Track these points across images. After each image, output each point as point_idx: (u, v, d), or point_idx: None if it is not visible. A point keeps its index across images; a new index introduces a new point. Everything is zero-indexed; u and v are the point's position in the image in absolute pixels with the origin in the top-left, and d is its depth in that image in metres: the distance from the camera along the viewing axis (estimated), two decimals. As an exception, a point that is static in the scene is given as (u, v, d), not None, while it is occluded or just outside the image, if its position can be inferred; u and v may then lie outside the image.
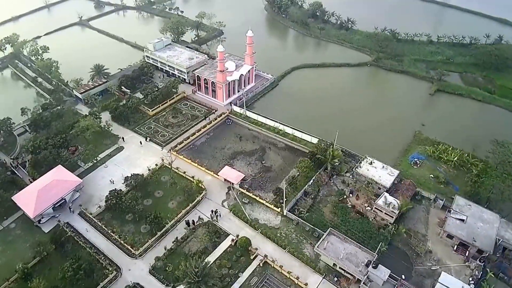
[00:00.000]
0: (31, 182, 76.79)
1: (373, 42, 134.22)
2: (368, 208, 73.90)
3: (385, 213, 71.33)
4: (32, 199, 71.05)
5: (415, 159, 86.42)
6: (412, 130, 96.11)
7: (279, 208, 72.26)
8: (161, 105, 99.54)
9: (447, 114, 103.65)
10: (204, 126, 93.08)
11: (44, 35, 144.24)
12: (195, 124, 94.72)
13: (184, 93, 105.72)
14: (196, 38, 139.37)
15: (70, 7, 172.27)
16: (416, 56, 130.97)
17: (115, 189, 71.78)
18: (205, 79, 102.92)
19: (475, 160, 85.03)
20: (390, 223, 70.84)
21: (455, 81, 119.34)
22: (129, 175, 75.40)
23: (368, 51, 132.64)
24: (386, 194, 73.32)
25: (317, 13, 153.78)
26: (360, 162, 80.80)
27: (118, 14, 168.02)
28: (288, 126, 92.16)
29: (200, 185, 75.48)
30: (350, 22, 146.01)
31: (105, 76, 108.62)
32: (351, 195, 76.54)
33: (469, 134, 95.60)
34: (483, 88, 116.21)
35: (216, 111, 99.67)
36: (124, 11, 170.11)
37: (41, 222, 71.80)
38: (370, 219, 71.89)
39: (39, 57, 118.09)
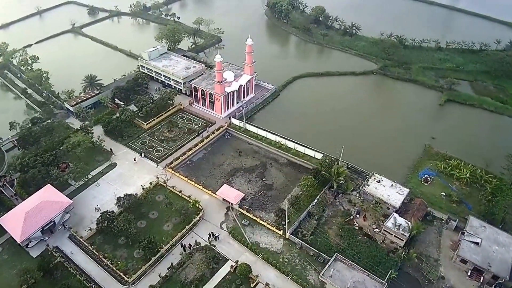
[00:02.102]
0: (19, 202, 75.66)
1: (379, 49, 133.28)
2: (376, 230, 72.23)
3: (394, 236, 69.76)
4: (19, 222, 69.54)
5: (426, 176, 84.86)
6: (422, 143, 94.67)
7: (281, 231, 70.67)
8: (156, 118, 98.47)
9: (458, 126, 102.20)
10: (201, 141, 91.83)
11: (35, 43, 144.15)
12: (192, 139, 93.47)
13: (181, 104, 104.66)
14: (193, 46, 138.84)
15: (62, 13, 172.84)
16: (424, 63, 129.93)
17: (107, 210, 70.32)
18: (202, 90, 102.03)
19: (489, 177, 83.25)
20: (400, 246, 69.17)
21: (465, 90, 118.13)
22: (122, 195, 73.81)
23: (374, 59, 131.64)
24: (396, 215, 71.72)
25: (320, 18, 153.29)
26: (367, 180, 79.24)
27: (112, 21, 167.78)
28: (290, 140, 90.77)
29: (197, 205, 74.02)
30: (354, 28, 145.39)
31: (98, 87, 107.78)
32: (358, 215, 74.89)
33: (482, 147, 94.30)
34: (494, 98, 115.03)
35: (212, 124, 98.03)
36: (118, 18, 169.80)
37: (29, 246, 70.31)
38: (379, 242, 70.18)
39: (28, 67, 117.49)
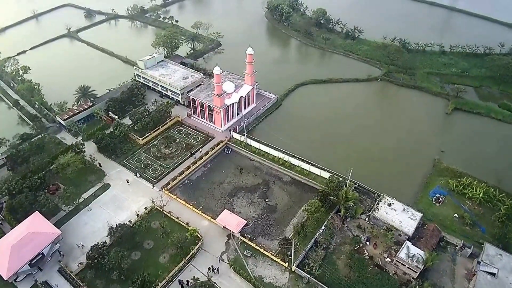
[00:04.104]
0: (6, 229, 67.12)
1: (382, 54, 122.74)
2: (388, 259, 63.91)
3: (407, 267, 61.53)
4: (5, 256, 60.78)
5: (437, 195, 76.27)
6: (431, 157, 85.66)
7: (287, 263, 62.24)
8: (153, 132, 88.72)
9: (467, 137, 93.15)
10: (200, 158, 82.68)
11: (30, 49, 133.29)
12: (190, 155, 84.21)
13: (178, 117, 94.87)
14: (192, 51, 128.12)
15: (59, 16, 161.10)
16: (429, 68, 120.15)
17: (98, 243, 61.54)
18: (201, 103, 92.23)
19: (502, 196, 74.76)
20: (413, 278, 61.04)
21: (471, 96, 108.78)
22: (114, 225, 64.63)
23: (378, 64, 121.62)
24: (409, 244, 63.22)
25: (321, 21, 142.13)
26: (378, 203, 70.46)
27: (109, 24, 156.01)
28: (294, 157, 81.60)
29: (195, 234, 65.18)
30: (356, 31, 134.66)
31: (91, 99, 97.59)
32: (367, 243, 66.37)
33: (492, 161, 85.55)
34: (502, 105, 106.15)
35: (211, 139, 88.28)
36: (116, 20, 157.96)
37: (17, 280, 61.84)
38: (391, 274, 61.86)
39: (19, 78, 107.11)
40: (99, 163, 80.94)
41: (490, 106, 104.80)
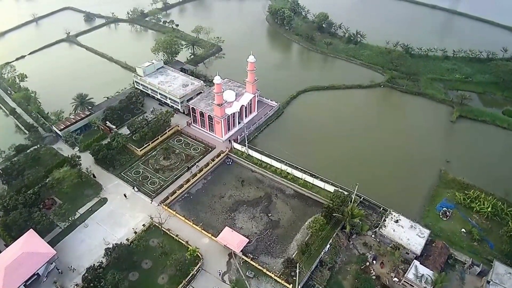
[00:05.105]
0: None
1: (385, 59, 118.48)
2: (396, 279, 60.05)
3: (416, 288, 57.82)
4: (-2, 278, 57.38)
5: (444, 208, 72.31)
6: (437, 168, 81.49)
7: (291, 284, 58.21)
8: (152, 143, 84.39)
9: (473, 146, 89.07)
10: (201, 170, 78.51)
11: (29, 54, 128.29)
12: (187, 170, 79.29)
13: (178, 126, 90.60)
14: (192, 57, 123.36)
15: (59, 20, 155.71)
16: (433, 74, 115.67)
17: (94, 265, 57.48)
18: (201, 112, 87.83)
19: (510, 210, 70.83)
20: (422, 299, 57.37)
21: (475, 103, 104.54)
22: (111, 243, 60.66)
23: (380, 69, 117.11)
24: (417, 263, 59.40)
25: (323, 25, 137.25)
26: (384, 220, 66.49)
27: (109, 28, 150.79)
28: (297, 169, 77.41)
29: (196, 254, 61.09)
30: (359, 35, 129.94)
31: (89, 107, 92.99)
32: (374, 262, 62.51)
33: (499, 171, 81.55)
34: (506, 112, 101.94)
35: (212, 150, 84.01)
36: (116, 24, 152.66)
37: (12, 302, 58.33)
38: (399, 295, 58.40)
39: (16, 86, 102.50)
40: (93, 174, 76.81)
41: (494, 113, 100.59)
